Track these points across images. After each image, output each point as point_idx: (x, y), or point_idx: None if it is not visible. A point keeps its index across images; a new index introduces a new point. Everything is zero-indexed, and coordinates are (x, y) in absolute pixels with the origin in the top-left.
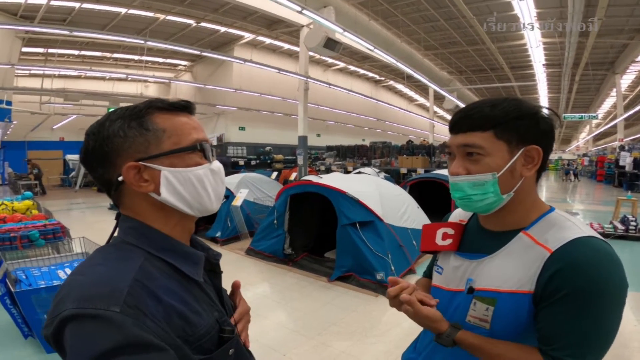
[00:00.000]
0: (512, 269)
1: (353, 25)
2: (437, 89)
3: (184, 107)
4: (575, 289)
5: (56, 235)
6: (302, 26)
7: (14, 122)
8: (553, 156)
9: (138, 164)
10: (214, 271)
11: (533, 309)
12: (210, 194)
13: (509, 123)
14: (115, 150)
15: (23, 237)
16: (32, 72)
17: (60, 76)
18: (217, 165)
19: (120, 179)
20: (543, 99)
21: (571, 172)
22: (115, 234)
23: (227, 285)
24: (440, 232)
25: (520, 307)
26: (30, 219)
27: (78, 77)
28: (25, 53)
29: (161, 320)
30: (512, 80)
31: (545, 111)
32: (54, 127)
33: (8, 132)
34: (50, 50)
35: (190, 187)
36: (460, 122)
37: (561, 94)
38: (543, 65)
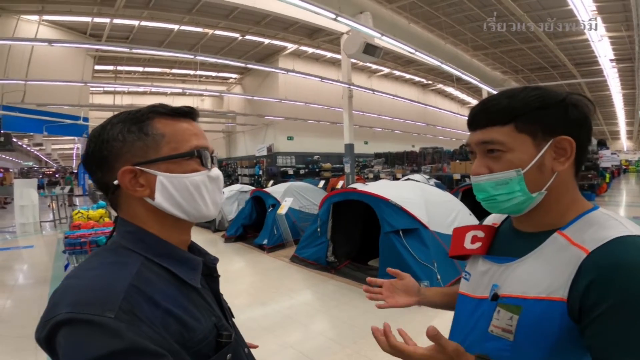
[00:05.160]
0: (542, 273)
1: (392, 29)
2: (491, 90)
3: (186, 113)
4: (622, 297)
5: None
6: (342, 34)
7: None
8: (633, 157)
9: (134, 168)
10: (211, 275)
11: (568, 320)
12: (207, 201)
13: (530, 114)
14: (114, 154)
15: (92, 242)
16: (105, 89)
17: (129, 92)
18: (215, 172)
19: (116, 182)
20: (616, 95)
21: None
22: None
23: (237, 292)
24: (469, 235)
25: (549, 316)
26: (101, 226)
27: (144, 93)
28: (97, 71)
29: (158, 325)
30: (578, 77)
31: (575, 98)
32: None
33: None
34: (119, 68)
35: (185, 193)
36: (477, 118)
37: (637, 89)
38: (611, 60)
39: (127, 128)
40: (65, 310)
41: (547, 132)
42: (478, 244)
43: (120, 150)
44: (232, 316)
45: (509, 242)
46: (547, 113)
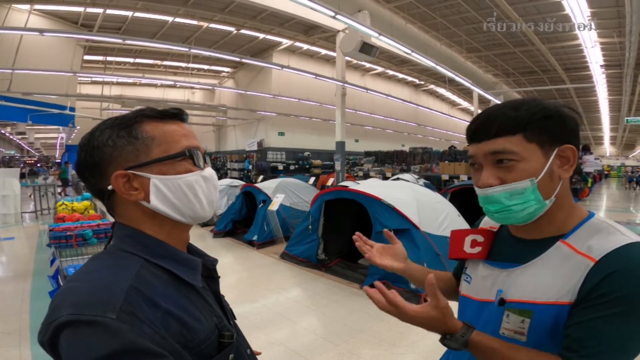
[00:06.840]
0: (549, 280)
1: (389, 29)
2: (482, 93)
3: (174, 115)
4: (627, 293)
5: (107, 235)
6: (338, 31)
7: (77, 127)
8: (615, 162)
9: (127, 173)
10: (211, 277)
11: None
12: (202, 201)
13: (537, 123)
14: (105, 159)
15: (78, 235)
16: (93, 79)
17: (118, 83)
18: (209, 172)
19: (110, 187)
20: (603, 101)
21: (634, 179)
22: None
23: (225, 288)
24: (469, 239)
25: (559, 319)
26: (86, 219)
27: (134, 84)
28: (86, 61)
29: (159, 326)
30: (567, 82)
31: (567, 109)
32: None
33: (72, 137)
34: (109, 58)
35: (180, 194)
36: (484, 129)
37: (623, 96)
38: (601, 66)
39: (116, 133)
40: (67, 312)
41: (552, 141)
42: (478, 249)
43: (111, 156)
44: (234, 318)
45: (509, 248)
46: (551, 123)
